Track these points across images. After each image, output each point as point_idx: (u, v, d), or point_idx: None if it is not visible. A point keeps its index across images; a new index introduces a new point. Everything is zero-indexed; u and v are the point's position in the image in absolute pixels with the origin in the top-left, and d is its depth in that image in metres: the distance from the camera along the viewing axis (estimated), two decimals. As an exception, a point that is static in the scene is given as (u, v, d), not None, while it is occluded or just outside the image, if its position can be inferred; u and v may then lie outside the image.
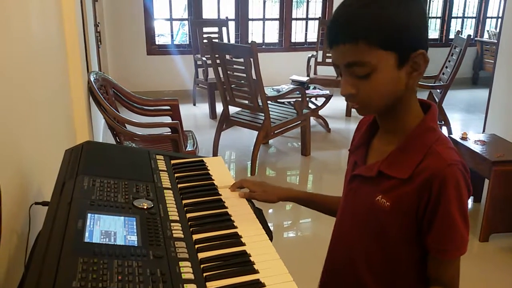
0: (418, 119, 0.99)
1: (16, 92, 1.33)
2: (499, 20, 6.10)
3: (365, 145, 1.08)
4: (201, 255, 0.97)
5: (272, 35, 6.98)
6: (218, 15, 6.59)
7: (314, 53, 6.05)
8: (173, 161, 1.43)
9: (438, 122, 3.65)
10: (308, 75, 5.82)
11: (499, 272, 2.72)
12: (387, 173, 0.98)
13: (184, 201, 1.20)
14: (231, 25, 6.52)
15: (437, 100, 4.59)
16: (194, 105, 6.13)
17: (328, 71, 5.97)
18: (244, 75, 3.93)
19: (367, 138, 1.09)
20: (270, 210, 3.33)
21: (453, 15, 7.59)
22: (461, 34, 4.77)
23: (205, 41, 5.18)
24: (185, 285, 0.84)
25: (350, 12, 0.91)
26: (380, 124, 1.05)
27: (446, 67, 4.71)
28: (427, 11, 7.39)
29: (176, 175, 1.34)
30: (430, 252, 0.97)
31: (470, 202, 3.50)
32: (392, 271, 1.03)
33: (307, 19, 6.99)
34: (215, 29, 6.09)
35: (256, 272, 0.93)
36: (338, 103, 5.52)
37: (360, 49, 0.89)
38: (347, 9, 0.91)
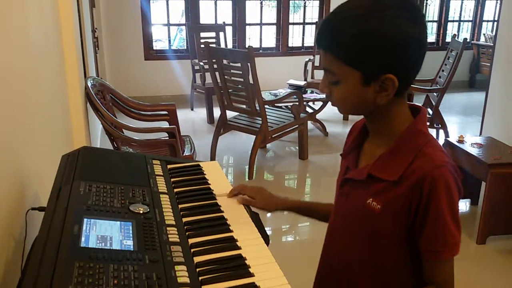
0: (407, 123, 0.99)
1: (13, 98, 1.34)
2: (495, 23, 6.13)
3: (356, 149, 1.09)
4: (196, 259, 0.97)
5: (269, 39, 7.00)
6: (216, 20, 6.60)
7: (311, 57, 6.07)
8: (169, 166, 1.44)
9: (435, 125, 3.65)
10: (305, 79, 5.83)
11: (496, 275, 2.72)
12: (377, 176, 0.99)
13: (180, 206, 1.21)
14: (228, 30, 6.54)
15: (434, 103, 4.60)
16: (192, 110, 6.13)
17: (325, 75, 5.99)
18: (242, 79, 3.94)
19: (358, 143, 1.10)
20: (268, 214, 3.34)
21: (449, 19, 7.62)
22: (458, 38, 4.79)
23: (202, 46, 5.19)
24: (180, 288, 0.85)
25: (329, 23, 0.94)
26: (368, 127, 1.06)
27: (443, 71, 4.73)
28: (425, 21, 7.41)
29: (172, 179, 1.35)
30: (423, 254, 0.98)
31: (467, 204, 3.51)
32: (385, 273, 1.04)
33: (304, 23, 7.02)
34: (213, 34, 6.11)
35: (251, 275, 0.93)
36: (335, 107, 5.53)
37: (330, 59, 0.94)
38: (329, 20, 0.94)
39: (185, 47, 6.61)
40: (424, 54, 0.95)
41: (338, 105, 1.01)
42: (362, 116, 1.07)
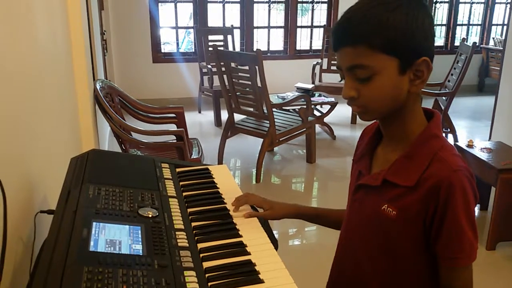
0: (422, 127, 0.98)
1: (22, 101, 1.34)
2: (505, 27, 6.10)
3: (369, 154, 1.08)
4: (206, 264, 0.96)
5: (277, 42, 7.00)
6: (224, 23, 6.61)
7: (319, 60, 6.06)
8: (178, 169, 1.43)
9: (444, 130, 3.62)
10: (313, 83, 5.82)
11: (507, 281, 2.69)
12: (393, 181, 0.97)
13: (189, 210, 1.20)
14: (237, 33, 6.55)
15: (442, 107, 4.57)
16: (200, 112, 6.14)
17: (333, 79, 5.98)
18: (249, 82, 3.93)
19: (371, 147, 1.08)
20: (275, 218, 3.32)
21: (458, 22, 7.58)
22: (467, 41, 4.77)
23: (210, 49, 5.19)
24: (190, 294, 0.84)
25: (355, 15, 0.92)
26: (383, 131, 1.04)
27: (452, 75, 4.70)
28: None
29: (181, 183, 1.35)
30: (441, 260, 0.96)
31: (476, 210, 3.48)
32: (400, 280, 1.03)
33: (312, 26, 7.01)
34: (221, 37, 6.12)
35: (261, 281, 0.92)
36: (343, 111, 5.52)
37: (363, 52, 0.90)
38: (353, 13, 0.92)
39: (193, 50, 6.62)
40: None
41: (367, 105, 0.95)
42: (371, 122, 1.05)
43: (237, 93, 4.11)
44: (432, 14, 7.32)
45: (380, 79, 0.91)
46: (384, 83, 0.92)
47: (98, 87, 3.08)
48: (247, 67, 3.89)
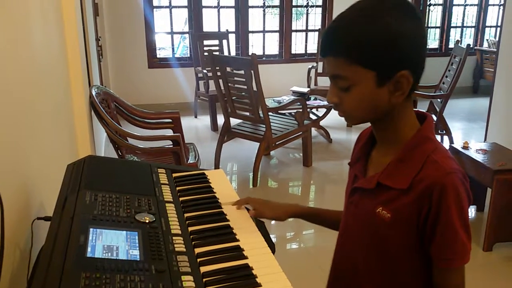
0: (414, 130, 0.99)
1: (20, 108, 1.34)
2: (498, 29, 6.13)
3: (364, 157, 1.09)
4: (203, 269, 0.97)
5: (272, 47, 7.02)
6: (219, 28, 6.63)
7: (314, 64, 6.08)
8: (174, 174, 1.44)
9: (439, 132, 3.64)
10: (308, 86, 5.83)
11: (504, 282, 2.70)
12: (386, 184, 0.98)
13: (186, 215, 1.20)
14: (232, 37, 6.56)
15: (437, 109, 4.59)
16: (196, 117, 6.14)
17: (329, 82, 5.98)
18: (245, 87, 3.94)
19: (366, 151, 1.09)
20: (273, 222, 3.32)
21: (452, 25, 7.62)
22: (461, 43, 4.80)
23: (205, 53, 5.20)
24: (187, 299, 0.84)
25: (337, 28, 0.94)
26: (376, 135, 1.06)
27: (446, 77, 4.72)
28: (426, 22, 7.43)
29: (177, 188, 1.35)
30: (434, 262, 0.97)
31: (473, 211, 3.49)
32: (395, 282, 1.03)
33: (306, 30, 7.03)
34: (216, 42, 6.13)
35: (258, 285, 0.93)
36: (342, 117, 5.53)
37: (342, 63, 0.93)
38: (336, 24, 0.94)
39: (189, 55, 6.63)
40: (426, 50, 0.98)
41: (349, 113, 0.99)
42: (368, 124, 1.06)
43: (233, 98, 4.12)
44: (427, 17, 7.41)
45: (358, 90, 0.94)
46: (362, 94, 0.94)
47: (93, 93, 3.08)
48: (242, 72, 3.90)
